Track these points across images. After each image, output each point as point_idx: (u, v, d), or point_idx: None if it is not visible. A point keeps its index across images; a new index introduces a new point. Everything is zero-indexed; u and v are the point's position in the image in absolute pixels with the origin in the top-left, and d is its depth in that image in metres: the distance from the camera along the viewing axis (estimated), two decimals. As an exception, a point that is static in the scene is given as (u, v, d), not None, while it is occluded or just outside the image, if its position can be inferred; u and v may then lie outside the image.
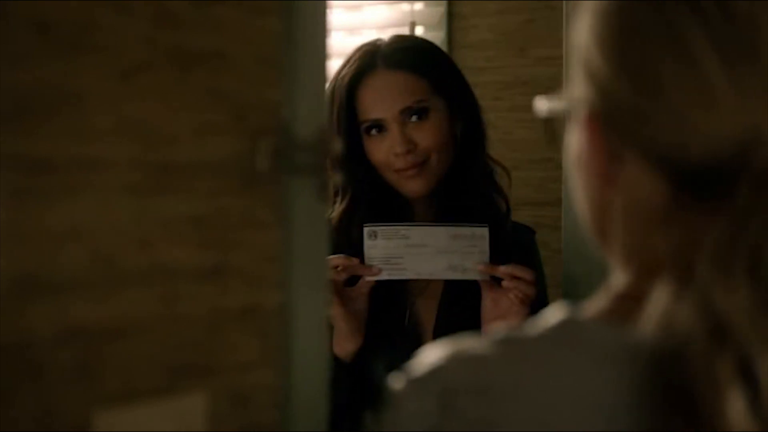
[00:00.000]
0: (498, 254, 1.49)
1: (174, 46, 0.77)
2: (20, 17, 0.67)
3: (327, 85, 1.54)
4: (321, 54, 0.88)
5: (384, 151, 1.52)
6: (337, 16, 2.42)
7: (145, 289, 0.75)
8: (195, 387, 0.79)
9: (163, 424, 0.76)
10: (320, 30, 0.88)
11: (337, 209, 1.55)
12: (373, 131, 1.52)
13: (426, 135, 1.51)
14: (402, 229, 1.48)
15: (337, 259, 1.46)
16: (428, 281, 1.55)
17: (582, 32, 0.70)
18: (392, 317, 1.53)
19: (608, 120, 0.68)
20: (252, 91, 0.82)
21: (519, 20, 2.28)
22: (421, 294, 1.56)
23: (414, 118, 1.51)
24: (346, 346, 1.49)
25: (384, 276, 1.48)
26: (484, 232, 1.47)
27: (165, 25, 0.76)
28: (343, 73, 1.54)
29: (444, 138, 1.53)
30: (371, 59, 1.53)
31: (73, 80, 0.71)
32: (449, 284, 1.54)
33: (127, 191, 0.74)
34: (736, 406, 0.58)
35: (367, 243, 1.48)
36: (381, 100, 1.51)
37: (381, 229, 1.47)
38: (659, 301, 0.64)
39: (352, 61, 1.55)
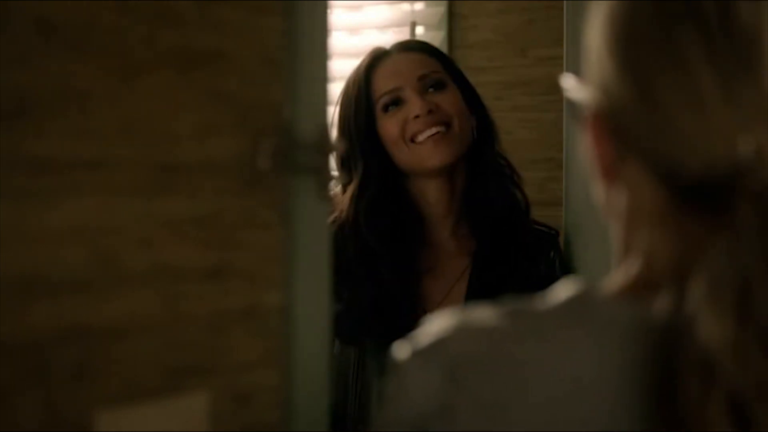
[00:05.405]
0: (516, 249, 1.47)
1: (176, 46, 0.77)
2: (23, 17, 0.67)
3: (331, 84, 1.55)
4: (322, 54, 0.88)
5: (400, 121, 1.49)
6: (337, 16, 2.42)
7: (147, 289, 0.75)
8: (197, 387, 0.79)
9: (165, 424, 0.76)
10: (321, 30, 0.88)
11: (347, 202, 1.51)
12: (391, 107, 1.51)
13: (446, 101, 1.50)
14: None
15: None
16: (449, 288, 1.50)
17: (593, 32, 0.70)
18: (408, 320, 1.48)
19: (612, 121, 0.68)
20: (254, 91, 0.83)
21: (520, 20, 2.28)
22: (444, 298, 1.53)
23: (431, 90, 1.51)
24: None
25: None
26: None
27: (167, 26, 0.76)
28: (357, 67, 1.55)
29: (463, 110, 1.52)
30: (384, 50, 1.56)
31: (76, 80, 0.71)
32: (472, 285, 1.50)
33: (129, 191, 0.74)
34: None
35: None
36: (398, 72, 1.52)
37: None
38: (661, 307, 0.63)
39: (364, 58, 1.56)
